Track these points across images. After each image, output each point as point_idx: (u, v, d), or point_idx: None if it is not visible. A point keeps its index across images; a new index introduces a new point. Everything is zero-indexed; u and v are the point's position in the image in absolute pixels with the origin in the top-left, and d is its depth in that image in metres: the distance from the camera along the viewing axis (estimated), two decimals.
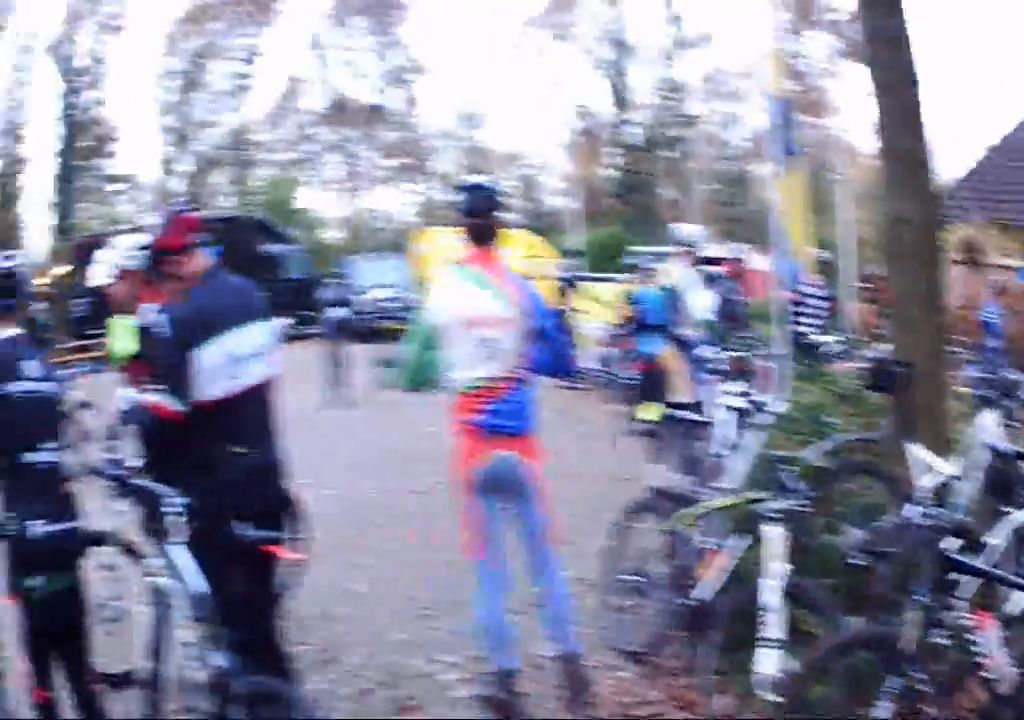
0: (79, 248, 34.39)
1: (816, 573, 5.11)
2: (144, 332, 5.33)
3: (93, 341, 22.59)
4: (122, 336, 15.90)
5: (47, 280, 29.85)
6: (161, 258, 4.45)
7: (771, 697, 4.18)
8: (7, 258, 4.58)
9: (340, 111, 51.64)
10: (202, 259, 4.45)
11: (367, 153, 52.84)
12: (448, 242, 32.10)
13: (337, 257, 39.44)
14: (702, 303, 9.34)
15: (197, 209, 4.67)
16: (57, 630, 4.29)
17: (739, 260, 11.57)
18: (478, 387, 4.86)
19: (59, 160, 48.09)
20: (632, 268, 14.05)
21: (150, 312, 5.28)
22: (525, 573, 5.24)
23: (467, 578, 6.75)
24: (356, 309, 21.79)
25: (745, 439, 6.32)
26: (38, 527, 4.11)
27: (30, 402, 4.24)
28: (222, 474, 4.19)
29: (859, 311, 14.07)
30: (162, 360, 4.32)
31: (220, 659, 3.81)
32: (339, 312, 19.37)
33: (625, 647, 5.67)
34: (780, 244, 7.92)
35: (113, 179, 51.57)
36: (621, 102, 50.07)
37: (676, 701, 5.08)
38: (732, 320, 9.76)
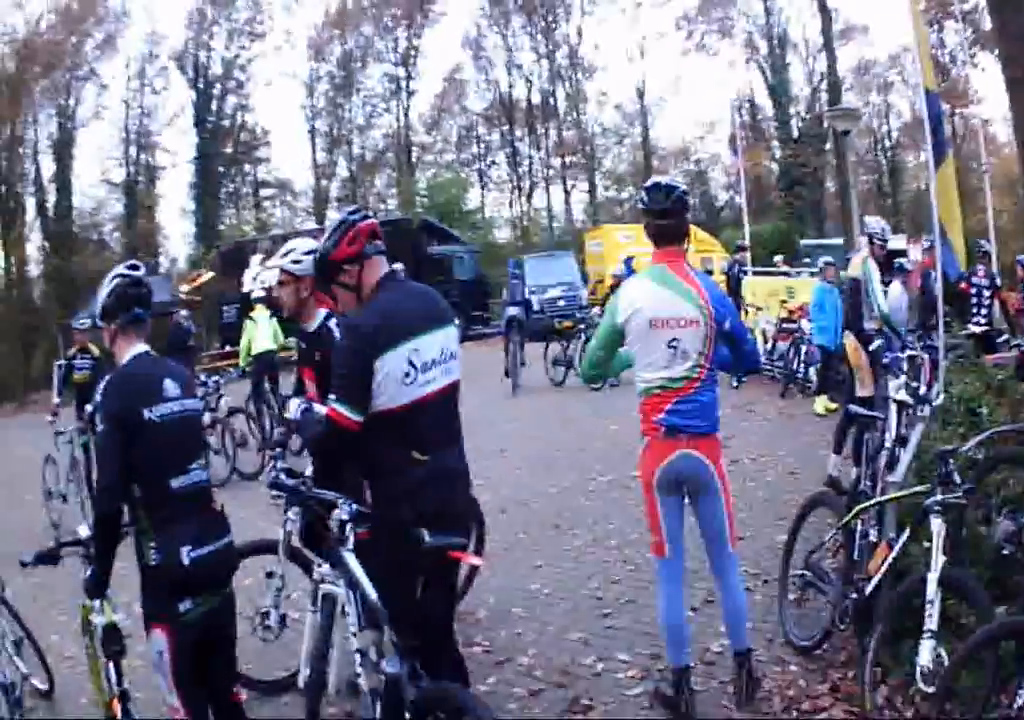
0: (225, 254, 35.46)
1: (969, 564, 5.08)
2: (314, 338, 5.48)
3: None
4: (260, 337, 16.56)
5: (190, 287, 30.41)
6: (337, 266, 4.35)
7: (925, 688, 4.18)
8: (133, 267, 4.42)
9: (505, 111, 51.86)
10: (379, 266, 4.37)
11: (535, 152, 52.89)
12: (620, 240, 32.33)
13: (508, 257, 39.63)
14: (887, 296, 9.29)
15: (372, 216, 4.54)
16: (206, 648, 4.16)
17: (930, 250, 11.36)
18: (665, 387, 4.86)
19: (197, 167, 49.05)
20: (803, 261, 13.95)
21: (321, 318, 5.48)
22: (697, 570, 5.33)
23: (642, 576, 6.91)
24: (531, 308, 21.97)
25: (910, 432, 6.19)
26: (190, 554, 3.97)
27: (176, 424, 4.10)
28: (406, 481, 4.15)
29: (1006, 300, 13.55)
30: (341, 369, 4.26)
31: (393, 665, 3.82)
32: (516, 310, 19.59)
33: (795, 641, 5.67)
34: (939, 235, 7.72)
35: (263, 184, 52.36)
36: (781, 95, 49.32)
37: (839, 694, 5.06)
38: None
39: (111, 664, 4.27)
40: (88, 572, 4.36)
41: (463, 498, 4.45)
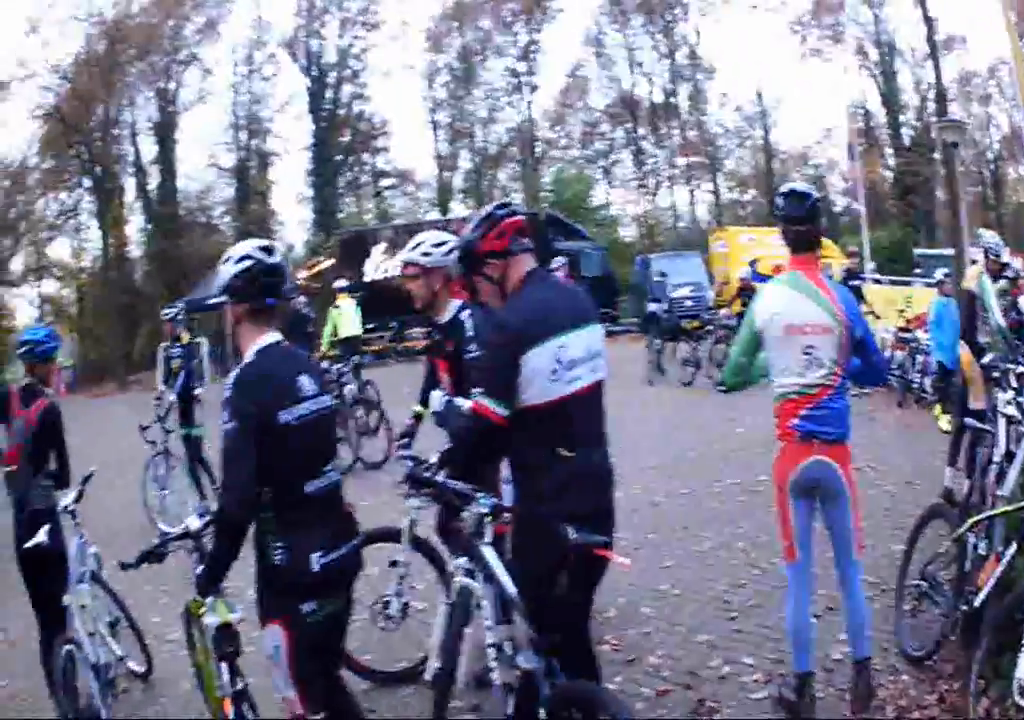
0: (345, 243, 35.52)
1: None
2: (446, 329, 5.58)
3: (366, 336, 23.38)
4: (346, 323, 17.10)
5: (309, 273, 30.54)
6: (481, 259, 4.33)
7: (1021, 701, 4.12)
8: (265, 250, 4.13)
9: (628, 109, 51.63)
10: (525, 263, 4.33)
11: (658, 151, 52.64)
12: (743, 242, 32.20)
13: (633, 255, 39.34)
14: (1000, 309, 9.16)
15: (519, 212, 4.45)
16: (325, 650, 4.11)
17: None
18: (799, 393, 4.88)
19: (313, 155, 49.17)
20: (919, 271, 13.90)
21: (454, 310, 5.57)
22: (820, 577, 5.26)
23: (769, 580, 6.92)
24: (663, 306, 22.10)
25: (1018, 447, 6.21)
26: (320, 560, 3.87)
27: (312, 426, 3.94)
28: (552, 477, 4.12)
29: None
30: (487, 363, 4.35)
31: (529, 661, 3.86)
32: (657, 307, 19.94)
33: (908, 651, 5.65)
34: None
35: (383, 174, 52.26)
36: (892, 102, 48.90)
37: (945, 705, 5.04)
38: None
39: (224, 664, 4.12)
40: (200, 569, 4.24)
41: (608, 496, 4.38)
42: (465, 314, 5.54)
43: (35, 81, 46.72)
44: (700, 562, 7.99)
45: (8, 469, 6.26)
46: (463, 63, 51.80)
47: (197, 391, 12.33)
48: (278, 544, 3.86)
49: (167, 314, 12.72)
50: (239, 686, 4.12)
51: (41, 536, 5.84)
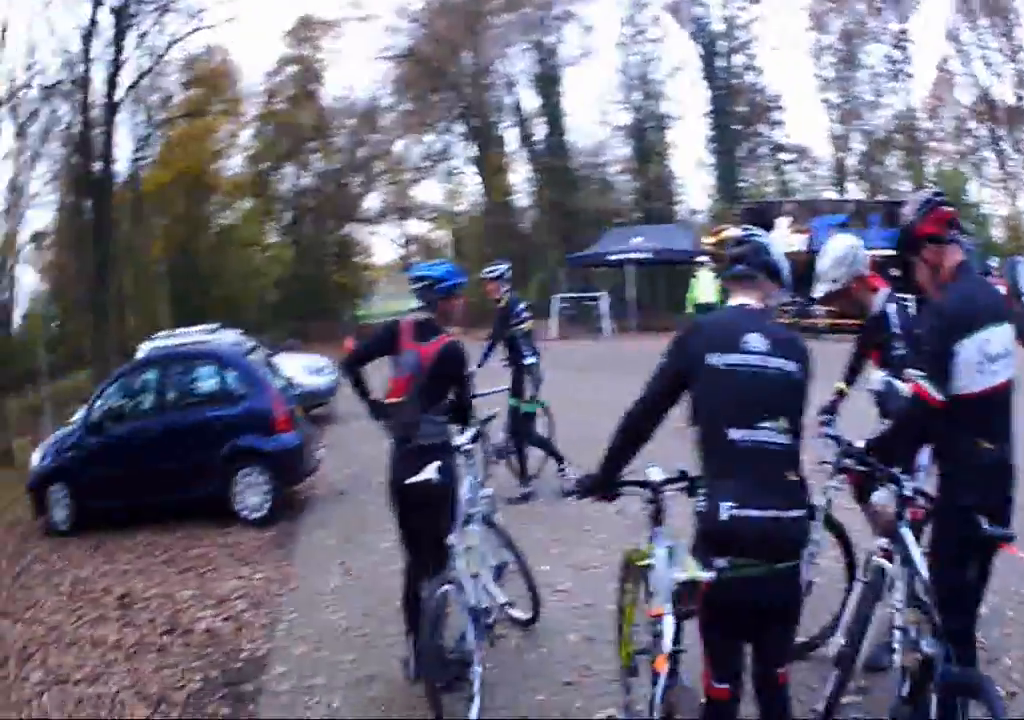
0: (749, 212, 35.04)
1: None
2: (877, 323, 5.56)
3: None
4: (704, 290, 16.92)
5: (715, 239, 30.21)
6: (920, 241, 4.42)
7: None
8: (751, 233, 4.35)
9: (988, 108, 49.08)
10: (957, 253, 4.40)
11: (1015, 155, 49.90)
12: None
13: (1002, 256, 37.64)
14: None
15: (951, 203, 4.53)
16: (753, 619, 3.90)
17: None
18: None
19: (712, 121, 48.53)
20: None
21: (880, 302, 5.57)
22: None
23: None
24: None
25: None
26: (729, 510, 3.75)
27: (748, 377, 3.88)
28: (974, 467, 4.18)
29: None
30: (925, 347, 4.35)
31: (931, 646, 3.87)
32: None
33: None
34: None
35: (780, 148, 50.75)
36: None
37: None
38: None
39: (674, 621, 4.03)
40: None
41: (1013, 491, 4.34)
42: (891, 308, 5.56)
43: (378, 22, 49.77)
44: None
45: (392, 401, 6.14)
46: (845, 45, 49.75)
47: (528, 361, 11.04)
48: (702, 490, 3.92)
49: (491, 272, 11.11)
50: (681, 647, 4.07)
51: (431, 472, 5.75)
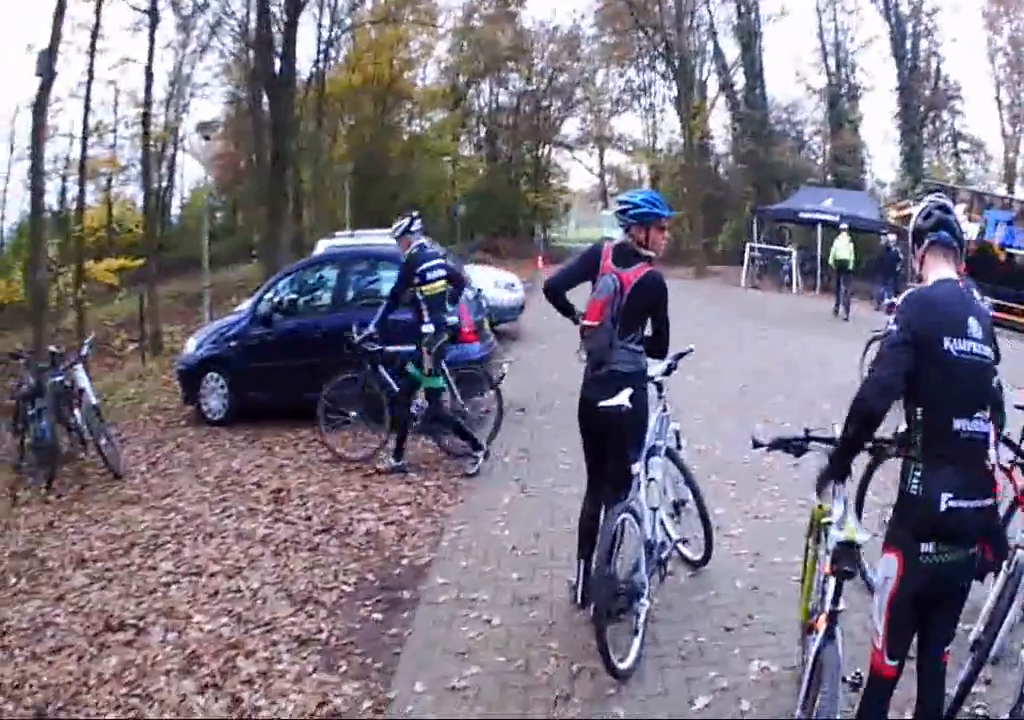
0: (929, 193, 34.74)
1: None
2: None
3: None
4: (842, 248, 17.01)
5: (898, 214, 31.16)
6: None
7: None
8: (942, 205, 4.17)
9: None
10: None
11: None
12: None
13: None
14: None
15: None
16: (933, 598, 3.88)
17: None
18: None
19: (899, 98, 47.89)
20: None
21: None
22: None
23: None
24: None
25: None
26: (949, 502, 3.71)
27: (971, 366, 3.81)
28: None
29: None
30: None
31: None
32: None
33: None
34: None
35: (960, 136, 49.95)
36: None
37: None
38: None
39: (833, 580, 4.02)
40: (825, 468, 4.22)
41: None
42: None
43: None
44: None
45: (588, 323, 6.00)
46: (1013, 50, 48.51)
47: (424, 329, 9.92)
48: (917, 473, 3.81)
49: (395, 229, 10.22)
50: (840, 607, 4.03)
51: (622, 399, 5.70)
